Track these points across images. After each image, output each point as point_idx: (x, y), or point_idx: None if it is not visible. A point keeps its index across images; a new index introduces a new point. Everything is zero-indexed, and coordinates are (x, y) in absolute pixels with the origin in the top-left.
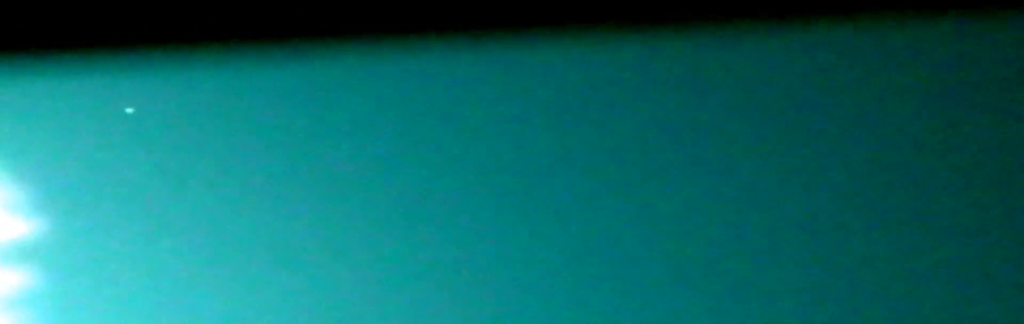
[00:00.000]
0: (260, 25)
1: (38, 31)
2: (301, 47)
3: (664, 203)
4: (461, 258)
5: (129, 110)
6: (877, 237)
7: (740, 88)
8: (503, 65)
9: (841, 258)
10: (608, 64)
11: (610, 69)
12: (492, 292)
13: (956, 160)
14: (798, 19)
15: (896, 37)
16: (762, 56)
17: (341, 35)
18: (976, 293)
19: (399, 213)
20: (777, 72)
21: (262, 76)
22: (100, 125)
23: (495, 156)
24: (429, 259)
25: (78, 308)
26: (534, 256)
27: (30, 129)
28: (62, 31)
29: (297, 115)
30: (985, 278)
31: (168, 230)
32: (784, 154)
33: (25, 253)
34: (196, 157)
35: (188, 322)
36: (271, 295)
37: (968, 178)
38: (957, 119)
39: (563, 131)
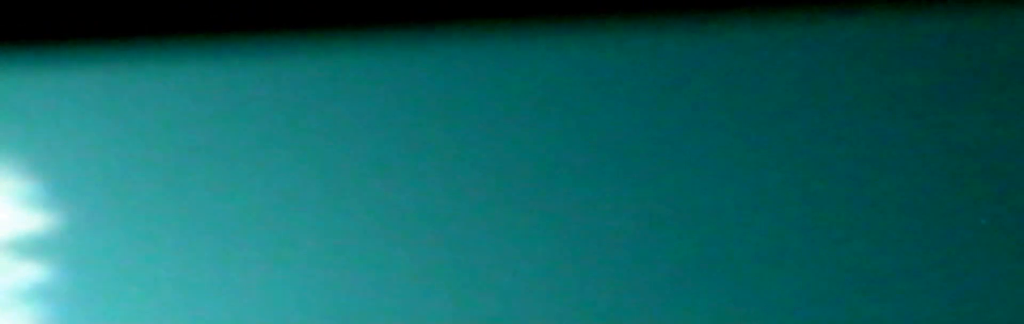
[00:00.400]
0: (266, 17)
1: (50, 24)
2: (307, 40)
3: (664, 200)
4: (460, 255)
5: None
6: (877, 236)
7: (738, 84)
8: (502, 59)
9: (841, 257)
10: (610, 58)
11: (613, 63)
12: (492, 291)
13: (956, 158)
14: (797, 12)
15: (896, 31)
16: (761, 50)
17: (342, 27)
18: (976, 293)
19: (407, 209)
20: (777, 67)
21: (272, 69)
22: (113, 118)
23: (492, 152)
24: (433, 256)
25: (91, 302)
26: (533, 253)
27: (41, 123)
28: (75, 23)
29: (306, 107)
30: (985, 278)
31: (180, 223)
32: (783, 151)
33: (39, 247)
34: (209, 150)
35: (198, 315)
36: (283, 287)
37: (970, 176)
38: (957, 116)
39: (563, 125)
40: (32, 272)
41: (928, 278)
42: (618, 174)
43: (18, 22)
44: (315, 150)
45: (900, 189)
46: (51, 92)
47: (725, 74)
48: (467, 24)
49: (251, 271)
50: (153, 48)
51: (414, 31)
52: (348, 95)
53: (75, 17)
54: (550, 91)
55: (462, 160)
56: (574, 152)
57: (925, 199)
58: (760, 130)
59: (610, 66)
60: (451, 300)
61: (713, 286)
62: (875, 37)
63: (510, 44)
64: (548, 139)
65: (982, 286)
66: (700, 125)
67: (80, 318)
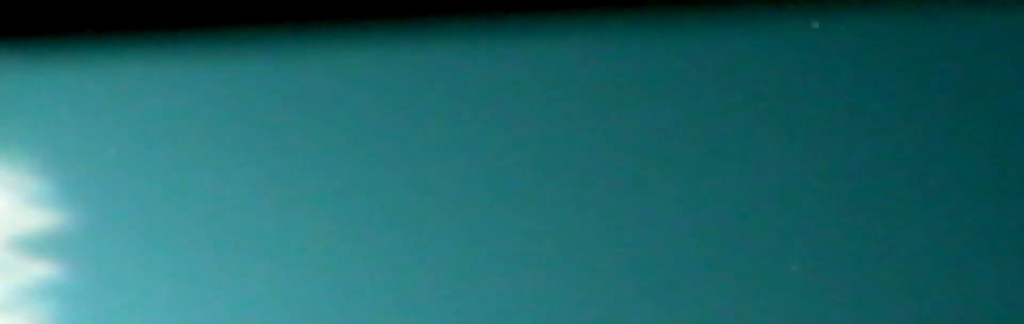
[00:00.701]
0: (273, 13)
1: (55, 19)
2: (311, 35)
3: (664, 200)
4: (462, 256)
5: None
6: (878, 237)
7: (738, 82)
8: (498, 55)
9: (843, 258)
10: (609, 55)
11: (611, 60)
12: (494, 292)
13: (957, 158)
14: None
15: (896, 30)
16: (759, 48)
17: (346, 23)
18: (976, 293)
19: (416, 210)
20: (774, 65)
21: (281, 64)
22: (122, 115)
23: (490, 150)
24: (437, 255)
25: (101, 300)
26: (532, 254)
27: (50, 120)
28: (82, 19)
29: (312, 103)
30: (986, 278)
31: (190, 221)
32: (783, 150)
33: (48, 245)
34: (219, 147)
35: (207, 314)
36: (292, 285)
37: (972, 177)
38: (959, 116)
39: (561, 124)
40: (42, 271)
41: (929, 279)
42: (616, 173)
43: (24, 18)
44: (322, 147)
45: (899, 189)
46: (60, 89)
47: (725, 72)
48: (465, 20)
49: (260, 270)
50: (162, 44)
51: (413, 27)
52: (355, 92)
53: (83, 12)
54: (547, 89)
55: (461, 158)
56: (571, 151)
57: (925, 199)
58: (757, 129)
59: (609, 63)
60: (452, 302)
61: (714, 287)
62: (874, 35)
63: (506, 40)
64: (546, 138)
65: (983, 287)
66: (698, 124)
67: (90, 317)
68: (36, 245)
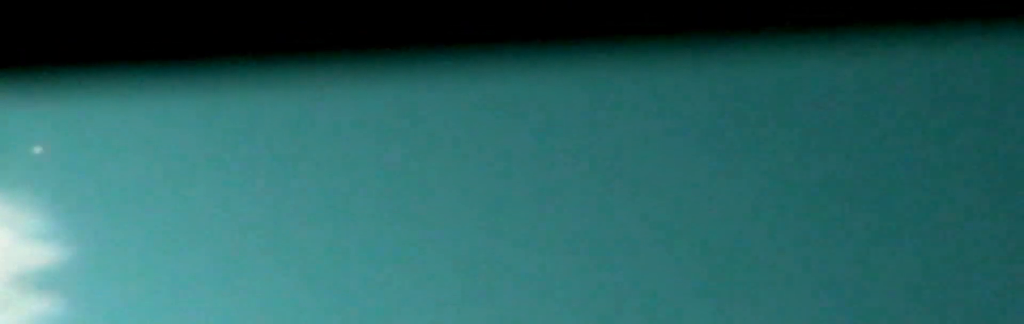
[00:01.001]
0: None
1: (58, 52)
2: (314, 65)
3: (670, 208)
4: (463, 260)
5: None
6: (881, 243)
7: (746, 96)
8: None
9: (846, 264)
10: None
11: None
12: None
13: (961, 167)
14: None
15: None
16: (774, 66)
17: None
18: (978, 295)
19: (429, 234)
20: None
21: (279, 96)
22: (124, 151)
23: (496, 162)
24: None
25: None
26: (534, 261)
27: (51, 155)
28: (86, 52)
29: (316, 133)
30: (988, 280)
31: (190, 257)
32: (787, 163)
33: (50, 280)
34: (221, 183)
35: None
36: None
37: (973, 184)
38: (963, 127)
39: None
40: (42, 305)
41: (931, 281)
42: (626, 183)
43: (25, 51)
44: (322, 179)
45: (905, 199)
46: (59, 124)
47: (733, 87)
48: (456, 50)
49: (261, 303)
50: (162, 78)
51: (425, 54)
52: (361, 123)
53: (85, 45)
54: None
55: (461, 185)
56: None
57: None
58: (764, 146)
59: (607, 93)
60: (454, 303)
61: (719, 293)
62: (873, 65)
63: (498, 70)
64: (544, 156)
65: (985, 288)
66: (709, 139)
67: None
68: (37, 280)
